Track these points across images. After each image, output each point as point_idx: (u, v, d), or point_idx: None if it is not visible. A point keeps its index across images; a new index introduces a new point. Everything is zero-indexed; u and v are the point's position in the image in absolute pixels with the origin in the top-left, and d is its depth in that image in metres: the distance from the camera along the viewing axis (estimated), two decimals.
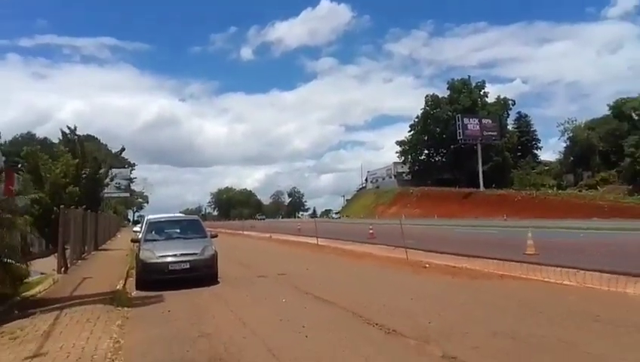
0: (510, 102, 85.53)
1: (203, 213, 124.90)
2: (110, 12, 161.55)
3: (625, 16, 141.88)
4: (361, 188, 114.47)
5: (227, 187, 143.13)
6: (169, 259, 10.60)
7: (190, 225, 12.84)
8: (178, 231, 12.43)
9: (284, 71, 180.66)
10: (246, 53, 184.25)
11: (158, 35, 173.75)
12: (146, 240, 11.57)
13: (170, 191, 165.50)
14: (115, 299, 8.77)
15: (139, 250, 11.40)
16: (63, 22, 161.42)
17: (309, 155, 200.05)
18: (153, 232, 12.09)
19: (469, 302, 7.95)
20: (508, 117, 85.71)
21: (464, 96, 79.48)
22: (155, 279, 10.58)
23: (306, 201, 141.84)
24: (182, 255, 10.71)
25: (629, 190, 57.19)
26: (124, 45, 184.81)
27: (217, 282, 11.05)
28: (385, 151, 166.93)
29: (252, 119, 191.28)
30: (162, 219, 13.59)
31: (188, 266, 10.59)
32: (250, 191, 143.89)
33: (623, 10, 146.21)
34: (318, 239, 22.87)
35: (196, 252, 10.88)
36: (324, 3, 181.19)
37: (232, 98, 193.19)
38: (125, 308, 8.29)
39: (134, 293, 10.22)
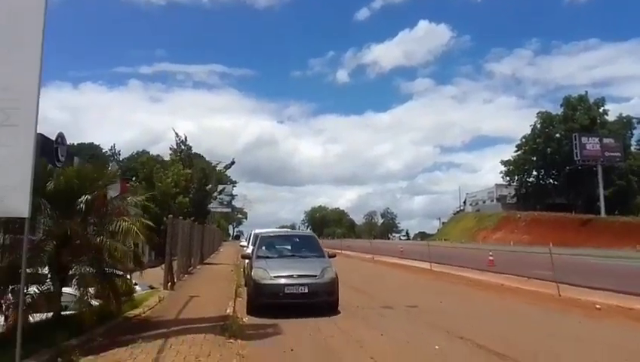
0: (635, 120, 76.31)
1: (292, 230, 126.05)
2: (220, 41, 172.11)
3: None
4: (458, 211, 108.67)
5: (320, 206, 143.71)
6: (284, 281, 9.06)
7: (305, 242, 11.29)
8: (292, 248, 10.91)
9: (379, 92, 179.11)
10: (342, 75, 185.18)
11: (262, 61, 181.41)
12: (259, 257, 10.19)
13: (266, 208, 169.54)
14: (226, 327, 7.32)
15: (250, 267, 10.03)
16: (178, 51, 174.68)
17: (402, 176, 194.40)
18: (265, 248, 10.70)
19: None
20: (632, 137, 76.62)
21: (581, 114, 72.18)
22: (268, 303, 9.11)
23: (399, 223, 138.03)
24: (299, 276, 9.12)
25: None
26: (231, 71, 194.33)
27: (338, 312, 9.30)
28: (483, 174, 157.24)
29: (346, 140, 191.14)
30: (274, 234, 12.28)
31: (306, 290, 8.97)
32: (343, 210, 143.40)
33: None
34: (432, 264, 20.54)
35: (315, 274, 9.23)
36: (422, 24, 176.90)
37: (327, 119, 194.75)
38: (239, 341, 6.80)
39: (246, 319, 8.77)
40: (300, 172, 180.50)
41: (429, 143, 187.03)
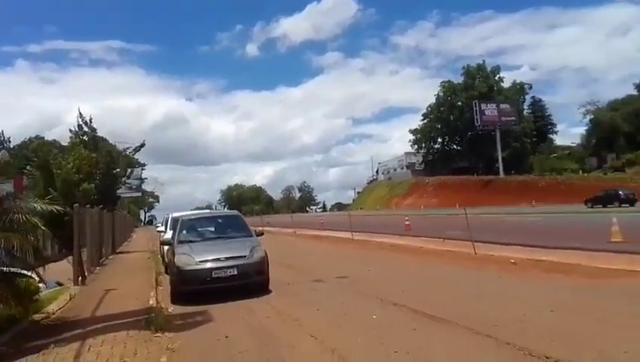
0: (527, 86, 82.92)
1: (214, 210, 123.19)
2: (117, 15, 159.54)
3: None
4: (372, 181, 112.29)
5: (237, 184, 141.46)
6: (211, 265, 8.57)
7: (230, 222, 10.75)
8: (217, 229, 10.34)
9: (290, 67, 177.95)
10: (252, 49, 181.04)
11: (165, 37, 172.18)
12: (181, 242, 9.55)
13: (179, 190, 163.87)
14: (150, 320, 6.75)
15: (172, 254, 9.38)
16: (70, 27, 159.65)
17: (317, 150, 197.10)
18: (187, 232, 10.06)
19: None
20: (524, 102, 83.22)
21: (480, 82, 76.90)
22: (194, 289, 8.60)
23: (316, 196, 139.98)
24: (227, 259, 8.67)
25: None
26: (132, 47, 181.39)
27: (270, 291, 9.03)
28: (393, 143, 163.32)
29: (259, 116, 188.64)
30: (196, 216, 11.61)
31: (235, 272, 8.55)
32: (260, 187, 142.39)
33: None
34: (353, 233, 20.91)
35: (244, 254, 8.83)
36: None
37: (239, 96, 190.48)
38: (167, 334, 6.29)
39: (172, 309, 8.22)
40: (213, 150, 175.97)
41: (341, 116, 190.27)
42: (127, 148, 25.66)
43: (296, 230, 30.25)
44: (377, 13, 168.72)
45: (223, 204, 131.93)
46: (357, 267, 11.63)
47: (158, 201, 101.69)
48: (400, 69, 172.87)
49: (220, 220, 11.13)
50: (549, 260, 10.60)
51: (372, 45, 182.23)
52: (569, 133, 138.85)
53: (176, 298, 8.75)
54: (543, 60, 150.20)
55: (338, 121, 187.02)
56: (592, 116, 69.50)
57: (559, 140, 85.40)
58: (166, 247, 11.55)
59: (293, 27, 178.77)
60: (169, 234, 12.11)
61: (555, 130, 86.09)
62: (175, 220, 11.71)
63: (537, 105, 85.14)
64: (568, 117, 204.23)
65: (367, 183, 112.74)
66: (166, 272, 11.54)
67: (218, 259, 8.63)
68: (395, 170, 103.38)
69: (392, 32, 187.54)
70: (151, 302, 8.37)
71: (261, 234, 10.46)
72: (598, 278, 8.25)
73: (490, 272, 9.69)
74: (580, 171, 63.92)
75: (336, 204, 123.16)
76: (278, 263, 12.97)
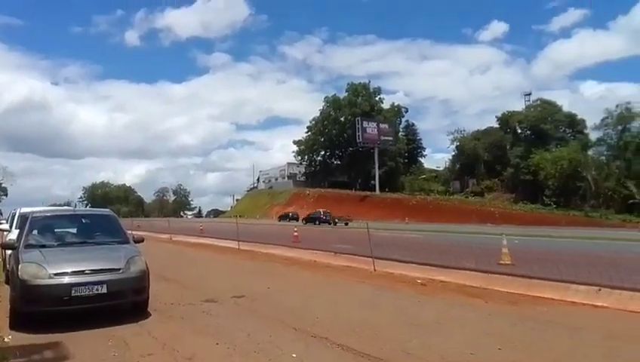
0: (403, 109, 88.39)
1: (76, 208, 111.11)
2: None
3: (494, 42, 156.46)
4: (252, 188, 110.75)
5: (103, 182, 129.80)
6: (71, 279, 6.43)
7: (101, 224, 8.46)
8: (82, 232, 8.04)
9: (173, 62, 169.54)
10: (132, 38, 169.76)
11: (34, 11, 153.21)
12: (29, 246, 7.21)
13: (34, 183, 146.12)
14: None
15: (16, 261, 7.00)
16: None
17: (196, 152, 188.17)
18: (38, 233, 7.70)
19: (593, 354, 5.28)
20: (400, 124, 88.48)
21: (363, 100, 79.95)
22: (46, 311, 6.42)
23: (192, 200, 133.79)
24: (93, 272, 6.59)
25: (512, 198, 61.33)
26: None
27: (149, 314, 7.14)
28: (274, 152, 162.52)
29: (135, 109, 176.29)
30: (54, 214, 9.14)
31: (105, 290, 6.50)
32: (130, 187, 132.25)
33: (493, 35, 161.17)
34: (240, 243, 19.32)
35: (117, 267, 6.81)
36: None
37: (114, 85, 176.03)
38: None
39: (9, 338, 5.94)
40: (78, 142, 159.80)
41: (225, 119, 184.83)
42: None
43: (172, 236, 27.57)
44: (269, 20, 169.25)
45: (85, 202, 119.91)
46: (253, 283, 10.10)
47: (5, 194, 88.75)
48: (287, 79, 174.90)
49: (85, 220, 8.68)
50: (454, 282, 10.17)
51: (261, 52, 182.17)
52: (433, 158, 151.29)
53: (19, 321, 6.44)
54: (415, 88, 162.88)
55: (221, 125, 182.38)
56: (458, 143, 75.99)
57: (426, 164, 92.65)
58: (8, 252, 8.92)
59: (179, 21, 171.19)
60: (14, 235, 9.41)
61: (424, 153, 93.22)
62: (24, 217, 9.09)
63: (411, 129, 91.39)
64: (432, 143, 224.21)
65: (248, 191, 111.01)
66: (6, 282, 8.86)
67: (81, 272, 6.53)
68: (276, 179, 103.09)
69: (281, 41, 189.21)
70: None
71: (141, 240, 8.44)
72: (516, 304, 7.83)
73: (405, 293, 8.87)
74: (447, 193, 69.30)
75: (213, 210, 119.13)
76: (157, 276, 10.93)
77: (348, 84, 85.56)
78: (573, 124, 67.39)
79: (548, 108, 67.28)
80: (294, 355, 5.13)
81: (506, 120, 69.79)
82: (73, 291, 6.37)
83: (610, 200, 51.52)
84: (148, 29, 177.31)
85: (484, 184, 68.79)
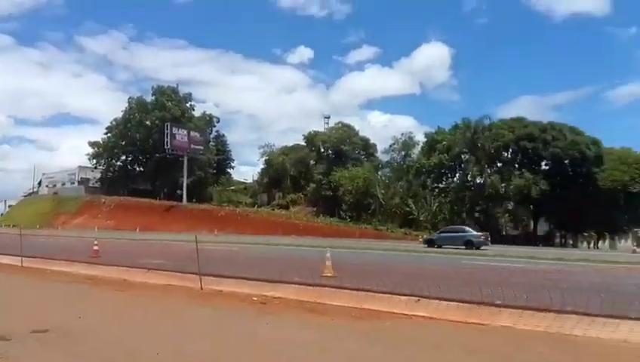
0: (215, 119, 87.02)
1: None
2: None
3: (300, 66, 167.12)
4: (31, 193, 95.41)
5: None
6: None
7: None
8: None
9: None
10: None
11: None
12: None
13: None
14: None
15: None
16: None
17: None
18: None
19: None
20: (211, 133, 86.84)
21: (173, 105, 76.10)
22: None
23: None
24: None
25: (314, 211, 65.41)
26: None
27: None
28: (62, 153, 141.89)
29: None
30: None
31: None
32: None
33: (300, 59, 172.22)
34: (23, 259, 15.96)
35: None
36: None
37: None
38: None
39: None
40: None
41: (2, 111, 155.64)
42: None
43: None
44: (67, 6, 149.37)
45: None
46: (56, 311, 8.03)
47: None
48: (84, 73, 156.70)
49: None
50: (289, 298, 9.82)
51: (55, 39, 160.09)
52: (239, 170, 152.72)
53: None
54: (225, 100, 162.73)
55: None
56: (267, 157, 78.00)
57: (234, 176, 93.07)
58: None
59: None
60: None
61: (233, 165, 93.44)
62: None
63: (220, 140, 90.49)
64: (239, 155, 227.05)
65: (25, 196, 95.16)
66: None
67: None
68: (64, 184, 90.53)
69: (80, 32, 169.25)
70: None
71: None
72: (362, 319, 7.78)
73: (249, 314, 8.03)
74: (255, 205, 70.31)
75: None
76: None
77: (153, 87, 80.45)
78: (367, 147, 75.61)
79: (347, 131, 74.14)
80: None
81: (311, 138, 74.35)
82: None
83: (394, 215, 58.78)
84: None
85: (290, 197, 71.79)
